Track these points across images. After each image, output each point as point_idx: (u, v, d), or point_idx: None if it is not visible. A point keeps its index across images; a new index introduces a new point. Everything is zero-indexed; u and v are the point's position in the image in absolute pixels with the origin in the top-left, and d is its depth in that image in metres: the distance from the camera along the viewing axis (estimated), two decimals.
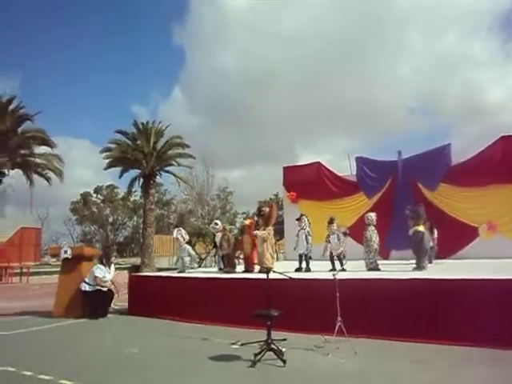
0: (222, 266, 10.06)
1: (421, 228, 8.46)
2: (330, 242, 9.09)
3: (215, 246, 10.61)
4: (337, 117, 61.82)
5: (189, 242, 11.01)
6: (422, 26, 61.28)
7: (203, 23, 70.16)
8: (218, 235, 10.10)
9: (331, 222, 9.23)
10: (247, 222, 9.62)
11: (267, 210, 8.96)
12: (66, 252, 9.32)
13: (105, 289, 8.92)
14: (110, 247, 10.25)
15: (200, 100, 66.45)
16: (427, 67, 62.76)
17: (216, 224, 10.37)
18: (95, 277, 8.79)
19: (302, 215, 9.69)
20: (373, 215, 9.01)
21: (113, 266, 9.34)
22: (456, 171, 13.11)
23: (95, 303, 8.74)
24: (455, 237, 12.35)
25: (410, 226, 8.50)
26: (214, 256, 13.72)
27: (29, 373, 4.77)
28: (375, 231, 8.79)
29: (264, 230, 8.59)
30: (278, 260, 13.91)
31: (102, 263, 9.10)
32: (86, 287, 8.78)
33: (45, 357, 5.71)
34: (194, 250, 10.82)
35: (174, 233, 10.92)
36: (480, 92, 62.87)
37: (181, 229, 10.92)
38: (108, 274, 9.04)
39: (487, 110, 57.75)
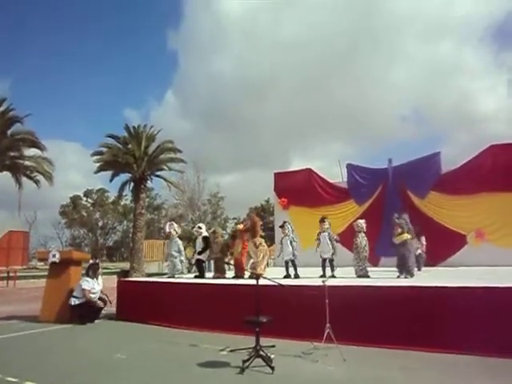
0: (198, 273, 9.94)
1: (409, 236, 8.52)
2: (319, 240, 9.12)
3: (195, 250, 10.47)
4: (331, 123, 62.46)
5: None
6: (416, 34, 62.20)
7: (198, 28, 70.54)
8: (199, 239, 10.02)
9: (322, 220, 9.27)
10: (240, 226, 9.60)
11: (248, 223, 8.99)
12: (54, 256, 9.21)
13: (95, 298, 8.78)
14: (97, 263, 10.04)
15: (194, 105, 66.66)
16: (421, 75, 63.62)
17: (199, 227, 10.27)
18: (83, 289, 8.59)
19: (284, 222, 9.75)
20: (362, 222, 9.08)
21: (100, 278, 9.14)
22: (446, 179, 13.27)
23: (85, 313, 8.59)
24: (444, 244, 12.49)
25: (395, 233, 8.52)
26: (190, 263, 13.59)
27: (14, 379, 4.69)
28: (365, 238, 8.84)
29: (254, 243, 8.57)
30: (268, 266, 13.88)
31: (88, 276, 8.91)
32: (75, 301, 8.60)
33: (31, 362, 5.62)
34: (184, 254, 10.66)
35: (166, 227, 10.71)
36: (472, 101, 63.86)
37: (173, 223, 10.79)
38: (97, 285, 8.88)
39: (478, 119, 58.66)
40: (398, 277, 8.16)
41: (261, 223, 9.07)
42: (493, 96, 63.00)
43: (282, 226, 9.60)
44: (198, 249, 9.93)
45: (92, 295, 8.69)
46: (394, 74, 64.55)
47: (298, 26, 64.57)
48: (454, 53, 65.87)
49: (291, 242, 9.24)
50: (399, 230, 8.43)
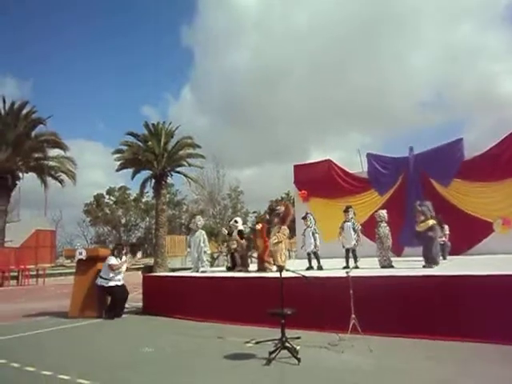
0: (230, 265, 10.09)
1: (434, 222, 8.38)
2: (343, 228, 9.06)
3: (227, 244, 10.60)
4: (349, 113, 61.46)
5: None
6: (436, 17, 60.48)
7: (212, 23, 70.39)
8: (235, 232, 10.08)
9: (347, 210, 9.21)
10: (258, 226, 9.61)
11: (282, 208, 8.96)
12: (80, 253, 9.45)
13: (120, 281, 9.01)
14: (122, 244, 10.39)
15: (210, 100, 66.82)
16: (441, 60, 61.96)
17: (236, 222, 10.37)
18: (109, 265, 8.88)
19: (307, 213, 9.71)
20: (384, 212, 8.96)
21: (125, 258, 9.43)
22: (469, 166, 12.97)
23: (111, 299, 8.86)
24: (469, 232, 12.25)
25: (418, 220, 8.38)
26: (227, 255, 13.73)
27: (48, 372, 4.86)
28: (387, 228, 8.74)
29: (279, 228, 8.61)
30: (290, 258, 13.90)
31: (113, 255, 9.20)
32: (101, 282, 8.89)
33: (63, 357, 5.80)
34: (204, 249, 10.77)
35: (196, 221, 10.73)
36: (494, 84, 61.78)
37: (197, 216, 10.98)
38: (122, 266, 9.14)
39: (501, 103, 56.75)
40: (424, 266, 8.03)
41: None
42: None
43: (304, 218, 9.57)
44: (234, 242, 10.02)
45: (117, 276, 8.95)
46: (413, 59, 63.12)
47: (313, 13, 63.85)
48: (475, 35, 63.96)
49: (313, 234, 9.23)
50: (422, 218, 8.30)
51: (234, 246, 9.96)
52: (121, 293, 9.02)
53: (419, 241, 8.55)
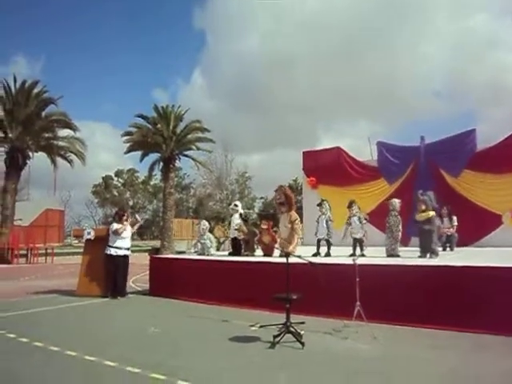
0: (232, 251, 10.11)
1: (434, 213, 8.31)
2: (350, 224, 9.05)
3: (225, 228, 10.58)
4: (360, 100, 60.96)
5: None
6: (450, 6, 59.19)
7: (224, 6, 69.50)
8: (235, 216, 10.07)
9: (350, 205, 9.18)
10: (264, 226, 9.57)
11: (283, 197, 8.91)
12: (89, 233, 9.55)
13: (127, 252, 9.09)
14: (123, 210, 10.45)
15: (221, 84, 66.51)
16: (454, 49, 60.83)
17: (236, 205, 10.34)
18: (114, 230, 8.96)
19: (323, 200, 9.66)
20: (397, 201, 8.86)
21: (126, 223, 9.37)
22: (481, 157, 12.80)
23: (113, 272, 8.90)
24: (478, 224, 12.15)
25: (418, 209, 8.31)
26: (219, 242, 13.78)
27: (56, 348, 4.95)
28: (399, 217, 8.67)
29: (289, 216, 8.58)
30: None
31: (115, 221, 9.31)
32: (109, 250, 8.94)
33: (70, 333, 5.90)
34: (212, 233, 10.83)
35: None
36: (507, 76, 60.54)
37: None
38: (125, 231, 9.16)
39: None
40: (420, 257, 8.01)
41: (299, 198, 9.05)
42: None
43: (319, 205, 9.54)
44: (235, 226, 9.92)
45: (122, 241, 8.99)
46: (425, 49, 62.08)
47: (323, 1, 62.67)
48: (489, 25, 62.49)
49: (327, 222, 9.21)
50: (423, 207, 8.21)
51: (236, 232, 9.91)
52: (123, 265, 9.04)
53: (416, 230, 8.52)
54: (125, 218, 9.42)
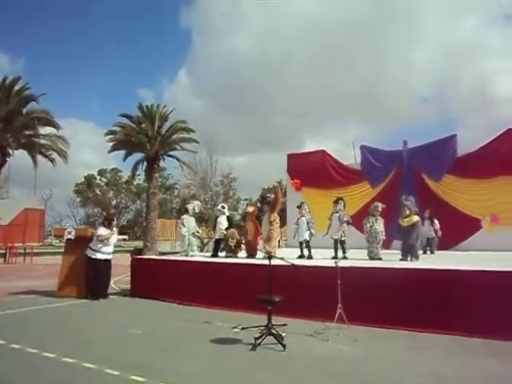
0: (213, 252, 10.04)
1: (418, 218, 8.44)
2: (331, 220, 9.10)
3: (214, 228, 10.42)
4: (346, 105, 61.36)
5: None
6: (438, 13, 60.24)
7: (211, 4, 69.36)
8: (223, 218, 10.03)
9: (336, 201, 9.22)
10: (250, 209, 9.59)
11: (272, 196, 8.97)
12: (69, 233, 9.41)
13: (108, 257, 8.96)
14: (112, 215, 10.44)
15: (207, 84, 66.12)
16: (440, 56, 61.85)
17: (223, 207, 10.31)
18: (98, 235, 8.84)
19: (302, 203, 9.73)
20: (380, 205, 8.94)
21: (115, 230, 9.37)
22: (462, 162, 13.05)
23: (95, 275, 8.76)
24: (458, 228, 12.36)
25: (402, 214, 8.42)
26: (202, 243, 13.69)
27: (33, 350, 4.86)
28: (378, 221, 8.76)
29: (270, 216, 8.61)
30: (279, 247, 13.97)
31: (103, 226, 9.19)
32: (90, 253, 8.82)
33: (49, 335, 5.79)
34: (196, 235, 10.73)
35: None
36: (491, 83, 61.84)
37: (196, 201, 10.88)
38: (111, 237, 9.08)
39: (498, 102, 56.76)
40: (401, 260, 8.13)
41: (283, 200, 9.06)
42: None
43: (299, 207, 9.58)
44: (221, 227, 9.89)
45: (106, 247, 8.89)
46: (413, 55, 63.04)
47: (314, 3, 63.17)
48: (476, 32, 63.90)
49: (308, 223, 9.25)
50: (407, 212, 8.33)
51: (221, 234, 9.88)
52: (104, 270, 8.92)
53: (399, 234, 8.64)
54: (114, 223, 9.35)
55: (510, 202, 12.25)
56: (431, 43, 62.51)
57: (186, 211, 10.35)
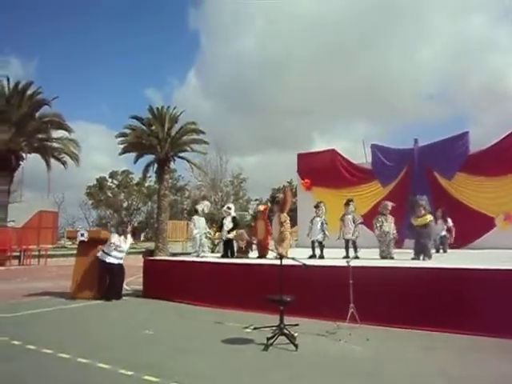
0: (223, 253, 10.01)
1: (431, 219, 8.37)
2: (343, 221, 9.08)
3: (220, 229, 10.41)
4: (355, 103, 61.16)
5: None
6: (446, 9, 59.64)
7: (219, 6, 69.57)
8: (228, 219, 10.06)
9: (347, 203, 9.20)
10: (261, 207, 9.59)
11: (281, 196, 8.96)
12: (82, 235, 9.50)
13: (120, 261, 9.03)
14: (126, 222, 10.50)
15: (216, 85, 66.45)
16: (449, 52, 61.28)
17: (229, 208, 10.33)
18: (111, 243, 8.91)
19: (319, 202, 9.67)
20: (389, 204, 8.90)
21: (129, 237, 9.47)
22: (474, 160, 12.90)
23: (109, 278, 8.88)
24: (471, 227, 12.23)
25: (418, 214, 8.34)
26: (214, 244, 13.72)
27: (48, 351, 4.92)
28: (392, 222, 8.70)
29: (279, 217, 8.63)
30: (290, 247, 13.95)
31: (117, 233, 9.26)
32: (102, 255, 8.91)
33: (63, 336, 5.86)
34: (208, 236, 10.79)
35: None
36: (501, 79, 61.06)
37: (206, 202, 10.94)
38: (124, 244, 9.16)
39: (508, 98, 56.10)
40: (413, 259, 8.07)
41: (293, 200, 9.03)
42: None
43: (316, 206, 9.54)
44: (227, 228, 9.88)
45: (118, 253, 8.98)
46: (421, 51, 62.59)
47: (321, 2, 62.93)
48: (484, 29, 63.09)
49: (322, 224, 9.22)
50: (422, 212, 8.27)
51: (228, 235, 9.90)
52: (118, 273, 9.03)
53: (411, 233, 8.57)
54: (128, 230, 9.45)
55: None
56: (437, 41, 61.98)
57: (196, 212, 10.40)
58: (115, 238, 9.01)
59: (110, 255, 8.90)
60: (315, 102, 61.11)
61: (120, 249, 9.02)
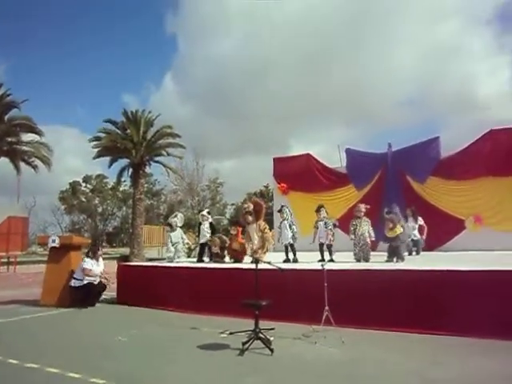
0: (198, 258, 10.02)
1: (401, 229, 8.54)
2: (317, 228, 9.15)
3: (198, 235, 10.41)
4: (331, 109, 61.85)
5: None
6: (420, 16, 61.25)
7: (197, 10, 69.49)
8: (205, 224, 10.04)
9: (318, 210, 9.29)
10: (234, 232, 9.61)
11: (251, 206, 8.93)
12: (54, 241, 9.24)
13: (95, 281, 8.87)
14: (97, 244, 10.24)
15: (193, 89, 66.10)
16: (421, 59, 62.84)
17: (208, 213, 10.35)
18: (83, 269, 8.74)
19: (282, 206, 9.76)
20: (362, 206, 9.01)
21: (101, 259, 9.28)
22: (445, 164, 13.21)
23: (85, 296, 8.70)
24: (442, 229, 12.49)
25: (386, 228, 8.50)
26: (190, 249, 13.67)
27: (15, 361, 4.75)
28: (365, 222, 8.81)
29: (259, 225, 8.62)
30: (268, 250, 13.94)
31: (88, 257, 9.04)
32: (75, 283, 8.73)
33: (32, 345, 5.68)
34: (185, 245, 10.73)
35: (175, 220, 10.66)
36: (472, 85, 63.12)
37: (178, 213, 10.89)
38: (96, 267, 8.98)
39: (479, 104, 58.03)
40: (387, 261, 8.21)
41: (269, 205, 9.06)
42: (494, 80, 62.23)
43: (280, 211, 9.60)
44: (205, 234, 9.94)
45: (91, 277, 8.77)
46: (396, 57, 63.85)
47: (298, 8, 63.64)
48: (456, 36, 65.10)
49: (290, 226, 9.26)
50: (390, 225, 8.46)
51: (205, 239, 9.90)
52: (96, 287, 8.88)
53: (386, 239, 8.77)
54: (99, 253, 9.25)
55: (492, 202, 12.45)
56: (411, 47, 63.61)
57: (171, 227, 10.37)
58: (87, 264, 8.80)
59: (82, 280, 8.73)
60: (292, 108, 61.59)
61: (92, 273, 8.83)
